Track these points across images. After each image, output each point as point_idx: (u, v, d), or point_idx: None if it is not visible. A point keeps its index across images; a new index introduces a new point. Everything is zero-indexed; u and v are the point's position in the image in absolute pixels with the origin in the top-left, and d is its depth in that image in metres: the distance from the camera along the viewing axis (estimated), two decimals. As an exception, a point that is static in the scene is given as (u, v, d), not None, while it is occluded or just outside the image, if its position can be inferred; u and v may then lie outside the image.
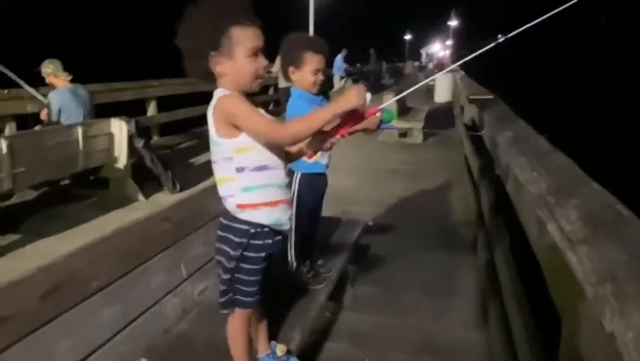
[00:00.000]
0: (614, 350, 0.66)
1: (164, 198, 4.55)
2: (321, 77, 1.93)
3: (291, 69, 1.93)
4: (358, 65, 17.17)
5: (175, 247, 1.84)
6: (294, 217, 2.02)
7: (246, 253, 1.32)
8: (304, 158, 1.42)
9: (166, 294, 1.75)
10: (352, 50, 14.01)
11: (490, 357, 2.16)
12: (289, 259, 2.05)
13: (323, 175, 2.12)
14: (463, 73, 11.04)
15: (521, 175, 1.46)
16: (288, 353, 1.55)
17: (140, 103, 6.78)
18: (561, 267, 0.98)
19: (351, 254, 2.45)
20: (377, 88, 13.99)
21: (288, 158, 1.39)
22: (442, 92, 12.40)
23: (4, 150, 3.20)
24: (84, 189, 4.57)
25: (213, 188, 1.44)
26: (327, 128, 1.29)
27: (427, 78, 16.90)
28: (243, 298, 1.35)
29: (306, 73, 1.91)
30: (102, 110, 4.94)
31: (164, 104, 7.21)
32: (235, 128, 1.25)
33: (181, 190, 4.70)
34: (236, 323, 1.39)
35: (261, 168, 1.30)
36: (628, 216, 1.01)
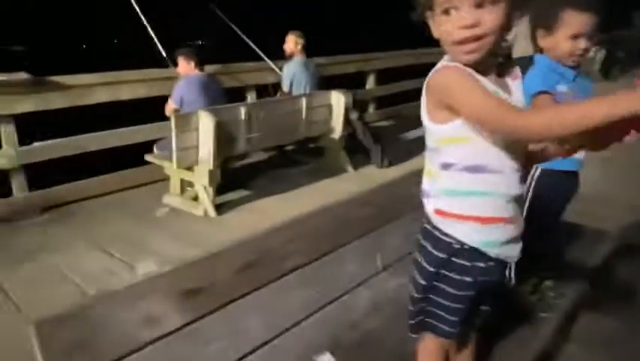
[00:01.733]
0: None
1: (372, 172, 4.54)
2: (582, 44, 1.42)
3: (540, 33, 1.47)
4: (614, 31, 14.03)
5: (373, 235, 1.67)
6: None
7: (445, 271, 1.03)
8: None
9: (358, 285, 1.61)
10: (609, 11, 11.45)
11: None
12: (508, 273, 1.66)
13: (574, 174, 1.62)
14: None
15: None
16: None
17: (362, 75, 6.91)
18: None
19: (593, 276, 1.88)
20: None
21: (527, 159, 1.01)
22: None
23: (243, 116, 3.59)
24: (303, 155, 4.91)
25: (422, 173, 1.18)
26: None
27: None
28: (438, 324, 1.08)
29: (560, 38, 1.42)
30: (328, 81, 5.16)
31: (386, 76, 7.18)
32: (449, 111, 0.93)
33: (389, 166, 4.61)
34: (426, 351, 1.13)
35: (475, 169, 0.96)
36: None
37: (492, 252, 1.01)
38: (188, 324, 1.14)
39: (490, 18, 0.87)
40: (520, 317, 1.54)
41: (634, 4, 15.21)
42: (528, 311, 1.57)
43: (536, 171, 1.55)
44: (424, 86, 0.98)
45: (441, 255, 1.03)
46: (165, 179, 3.62)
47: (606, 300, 2.14)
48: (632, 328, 2.06)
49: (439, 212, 1.03)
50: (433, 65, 1.01)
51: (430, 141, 1.02)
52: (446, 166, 1.00)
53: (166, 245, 2.81)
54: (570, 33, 1.41)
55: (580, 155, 1.48)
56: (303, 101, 4.20)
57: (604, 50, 10.09)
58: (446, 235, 1.02)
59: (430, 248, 1.05)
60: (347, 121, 4.59)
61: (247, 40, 5.08)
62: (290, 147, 4.99)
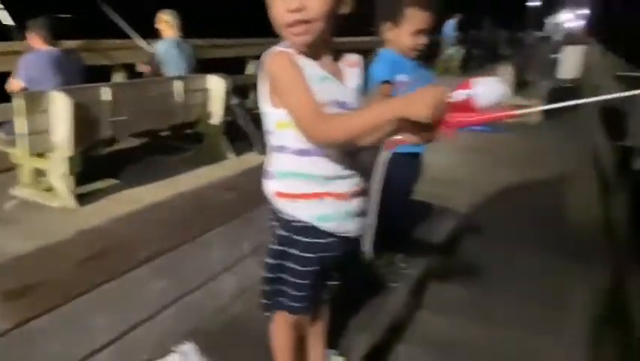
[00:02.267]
0: None
1: (254, 159, 4.51)
2: (422, 39, 1.57)
3: (387, 25, 1.59)
4: (472, 32, 15.75)
5: (240, 220, 1.66)
6: (374, 203, 1.73)
7: (289, 249, 1.07)
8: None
9: (224, 270, 1.59)
10: (466, 16, 12.80)
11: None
12: (364, 248, 1.77)
13: (418, 156, 1.77)
14: (598, 46, 9.55)
15: None
16: (349, 365, 1.30)
17: (242, 61, 6.78)
18: None
19: (440, 248, 2.10)
20: (492, 58, 12.76)
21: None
22: (570, 67, 10.86)
23: (107, 97, 3.29)
24: (181, 142, 4.69)
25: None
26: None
27: (552, 51, 15.03)
28: (286, 302, 1.11)
29: (403, 32, 1.56)
30: (206, 66, 4.97)
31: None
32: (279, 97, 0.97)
33: (270, 152, 4.63)
34: (279, 329, 1.16)
35: (303, 153, 1.00)
36: None
37: (329, 228, 1.05)
38: (18, 326, 1.01)
39: (317, 4, 0.91)
40: (374, 288, 1.66)
41: (485, 9, 17.23)
42: (381, 283, 1.70)
43: (386, 154, 1.68)
44: (260, 68, 0.99)
45: (284, 233, 1.06)
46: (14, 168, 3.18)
47: (451, 269, 2.41)
48: (474, 292, 2.36)
49: (277, 193, 1.06)
50: None
51: (267, 124, 1.04)
52: (280, 149, 1.03)
53: (9, 242, 2.47)
54: (412, 29, 1.54)
55: None
56: (178, 83, 4.00)
57: (463, 49, 11.32)
58: (286, 214, 1.05)
59: (275, 228, 1.07)
60: (227, 106, 4.49)
61: (113, 14, 4.66)
62: (166, 133, 4.72)
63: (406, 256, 1.86)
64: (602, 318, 2.10)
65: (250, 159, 4.51)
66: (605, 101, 4.19)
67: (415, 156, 1.74)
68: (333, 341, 1.37)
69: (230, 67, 5.86)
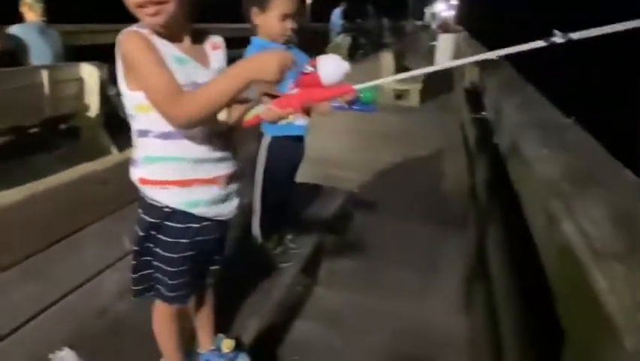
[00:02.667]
0: None
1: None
2: (290, 24, 1.57)
3: (254, 10, 1.57)
4: (358, 20, 16.40)
5: (117, 215, 1.58)
6: (259, 187, 1.77)
7: (161, 236, 1.04)
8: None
9: (104, 269, 1.50)
10: (352, 5, 13.27)
11: (473, 346, 1.98)
12: (253, 233, 1.80)
13: (300, 139, 1.82)
14: (466, 33, 10.55)
15: (529, 151, 1.19)
16: (238, 347, 1.32)
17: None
18: (578, 282, 0.73)
19: (330, 226, 2.21)
20: (377, 46, 13.43)
21: (217, 124, 1.03)
22: (444, 54, 11.86)
23: (-45, 90, 2.88)
24: (55, 138, 4.27)
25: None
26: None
27: (430, 39, 16.24)
28: (165, 293, 1.09)
29: (271, 17, 1.55)
30: (81, 54, 4.56)
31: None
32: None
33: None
34: (161, 319, 1.15)
35: (166, 136, 0.98)
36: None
37: (199, 212, 1.05)
38: None
39: None
40: (264, 270, 1.69)
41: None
42: (271, 264, 1.74)
43: (267, 139, 1.71)
44: (116, 50, 0.96)
45: (154, 220, 1.04)
46: None
47: (341, 246, 2.56)
48: (365, 266, 2.53)
49: (142, 180, 1.03)
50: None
51: (127, 108, 1.01)
52: (142, 133, 1.01)
53: None
54: (279, 13, 1.55)
55: (301, 121, 1.69)
56: (44, 73, 3.62)
57: (349, 37, 11.75)
58: (154, 200, 1.03)
59: (142, 214, 1.05)
60: (105, 97, 4.17)
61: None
62: (35, 129, 4.26)
63: (295, 236, 1.92)
64: (471, 277, 2.39)
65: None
66: (469, 81, 4.62)
67: (297, 139, 1.78)
68: (223, 325, 1.38)
69: (110, 53, 5.42)
